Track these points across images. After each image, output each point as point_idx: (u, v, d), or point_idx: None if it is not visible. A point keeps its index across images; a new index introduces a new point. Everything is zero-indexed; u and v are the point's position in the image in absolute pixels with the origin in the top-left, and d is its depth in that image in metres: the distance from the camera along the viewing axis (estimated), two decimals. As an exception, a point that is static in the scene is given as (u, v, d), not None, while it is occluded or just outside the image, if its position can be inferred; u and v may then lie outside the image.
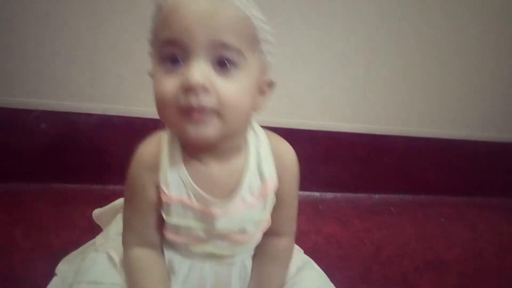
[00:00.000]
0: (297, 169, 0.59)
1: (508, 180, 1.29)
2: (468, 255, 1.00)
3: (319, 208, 1.08)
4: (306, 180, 1.02)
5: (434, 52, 1.06)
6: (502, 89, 1.16)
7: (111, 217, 0.68)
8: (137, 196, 0.53)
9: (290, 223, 0.62)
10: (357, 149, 1.12)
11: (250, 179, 0.54)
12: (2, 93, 0.87)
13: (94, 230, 0.69)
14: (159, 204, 0.53)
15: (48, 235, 0.80)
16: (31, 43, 0.84)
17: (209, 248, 0.56)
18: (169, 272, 0.57)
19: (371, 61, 1.03)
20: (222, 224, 0.53)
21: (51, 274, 0.62)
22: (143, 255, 0.55)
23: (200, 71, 0.42)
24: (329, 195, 1.15)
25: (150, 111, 0.93)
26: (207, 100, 0.43)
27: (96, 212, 0.71)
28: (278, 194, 0.57)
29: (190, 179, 0.51)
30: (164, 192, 0.52)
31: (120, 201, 0.66)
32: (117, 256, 0.58)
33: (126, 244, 0.55)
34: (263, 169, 0.54)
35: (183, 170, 0.52)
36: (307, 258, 0.67)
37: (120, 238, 0.58)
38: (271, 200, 0.57)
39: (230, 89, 0.44)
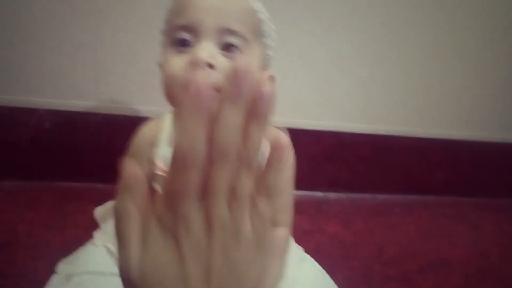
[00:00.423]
0: (292, 159, 0.59)
1: (511, 181, 1.29)
2: (471, 255, 1.00)
3: (322, 208, 1.08)
4: (310, 180, 1.03)
5: (437, 53, 1.06)
6: (505, 90, 1.16)
7: (111, 215, 0.68)
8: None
9: (285, 213, 0.62)
10: (361, 149, 1.12)
11: None
12: (6, 92, 0.88)
13: (96, 228, 0.70)
14: (150, 178, 0.56)
15: (51, 233, 0.80)
16: (35, 42, 0.85)
17: None
18: None
19: (375, 61, 1.03)
20: None
21: (50, 270, 0.62)
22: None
23: (207, 49, 0.47)
24: (333, 195, 1.14)
25: (153, 110, 0.94)
26: (212, 76, 0.47)
27: (98, 210, 0.71)
28: (271, 181, 0.57)
29: None
30: (157, 165, 0.55)
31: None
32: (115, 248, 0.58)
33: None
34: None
35: None
36: (306, 255, 0.67)
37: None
38: None
39: None
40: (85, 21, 0.85)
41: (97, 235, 0.63)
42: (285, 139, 0.59)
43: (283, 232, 0.62)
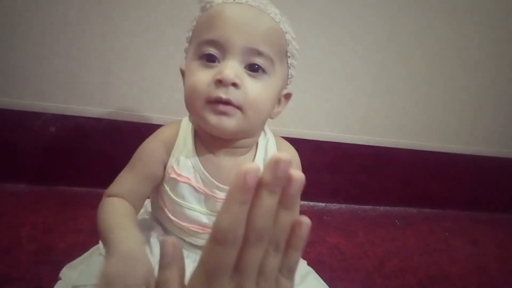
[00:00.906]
0: (300, 170, 0.60)
1: (512, 196, 1.29)
2: (471, 270, 0.99)
3: (323, 219, 1.08)
4: (311, 190, 1.02)
5: (441, 66, 1.06)
6: (507, 104, 1.16)
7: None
8: (141, 163, 0.57)
9: None
10: (363, 160, 1.12)
11: None
12: (12, 95, 0.88)
13: (98, 234, 0.70)
14: (155, 180, 0.57)
15: (53, 237, 0.80)
16: (43, 46, 0.86)
17: None
18: None
19: (378, 73, 1.03)
20: None
21: (55, 277, 0.62)
22: (120, 202, 0.56)
23: (233, 68, 0.48)
24: (334, 206, 1.15)
25: (157, 117, 0.95)
26: (234, 95, 0.48)
27: None
28: None
29: (199, 164, 0.56)
30: (174, 170, 0.56)
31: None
32: None
33: (108, 193, 0.57)
34: None
35: (194, 155, 0.56)
36: (310, 268, 0.67)
37: None
38: None
39: (257, 89, 0.49)
40: (93, 26, 0.86)
41: (102, 243, 0.63)
42: (296, 156, 0.61)
43: None
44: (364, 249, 0.99)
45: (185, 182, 0.56)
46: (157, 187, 0.59)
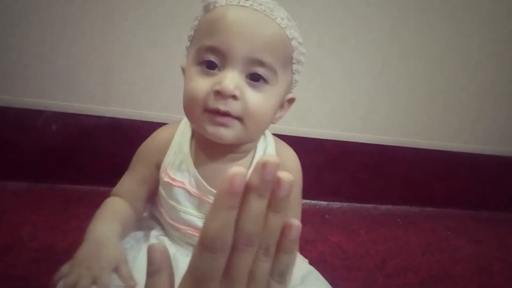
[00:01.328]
0: (299, 175, 0.61)
1: (515, 195, 1.28)
2: (473, 269, 0.99)
3: (325, 217, 1.08)
4: (313, 189, 1.03)
5: (442, 65, 1.06)
6: (509, 103, 1.16)
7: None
8: (138, 166, 0.58)
9: None
10: (365, 159, 1.12)
11: None
12: (14, 93, 0.88)
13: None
14: (153, 181, 0.57)
15: (55, 236, 0.80)
16: (44, 44, 0.86)
17: None
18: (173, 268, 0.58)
19: (379, 72, 1.03)
20: None
21: (55, 275, 0.62)
22: (116, 201, 0.57)
23: (234, 79, 0.45)
24: (336, 204, 1.14)
25: (158, 115, 0.95)
26: (233, 107, 0.46)
27: None
28: None
29: (194, 168, 0.55)
30: (168, 174, 0.55)
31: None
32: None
33: (111, 194, 0.59)
34: None
35: (189, 159, 0.55)
36: (312, 268, 0.67)
37: (124, 240, 0.59)
38: None
39: (257, 100, 0.47)
40: (94, 25, 0.86)
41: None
42: (295, 160, 0.60)
43: None
44: (366, 248, 0.99)
45: (179, 187, 0.55)
46: (156, 190, 0.59)
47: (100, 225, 0.50)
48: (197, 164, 0.55)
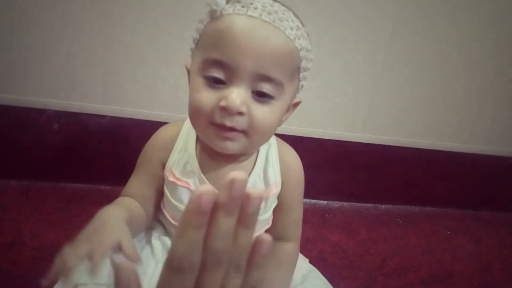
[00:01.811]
0: (301, 177, 0.61)
1: (515, 195, 1.28)
2: (474, 269, 0.99)
3: (325, 217, 1.08)
4: (314, 188, 1.03)
5: (443, 65, 1.06)
6: (509, 103, 1.16)
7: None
8: (144, 166, 0.58)
9: (294, 229, 0.63)
10: (366, 158, 1.12)
11: (255, 180, 0.57)
12: (15, 92, 0.89)
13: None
14: (160, 181, 0.57)
15: (56, 234, 0.80)
16: (46, 43, 0.86)
17: None
18: None
19: (380, 72, 1.03)
20: None
21: (57, 273, 0.62)
22: (127, 199, 0.57)
23: (240, 96, 0.45)
24: (336, 203, 1.14)
25: (160, 114, 0.95)
26: (239, 123, 0.46)
27: None
28: (281, 199, 0.59)
29: (199, 168, 0.55)
30: (173, 173, 0.55)
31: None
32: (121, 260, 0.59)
33: (121, 195, 0.58)
34: (268, 173, 0.57)
35: (193, 158, 0.55)
36: (312, 267, 0.67)
37: None
38: (271, 203, 0.59)
39: (263, 115, 0.47)
40: (96, 24, 0.86)
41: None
42: (298, 162, 0.60)
43: (291, 247, 0.62)
44: (366, 247, 0.99)
45: (184, 187, 0.55)
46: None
47: (106, 210, 0.48)
48: (202, 165, 0.55)
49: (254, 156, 0.57)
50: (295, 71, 0.49)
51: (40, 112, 0.90)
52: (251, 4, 0.45)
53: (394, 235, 1.07)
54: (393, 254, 0.98)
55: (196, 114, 0.48)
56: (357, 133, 1.09)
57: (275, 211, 0.60)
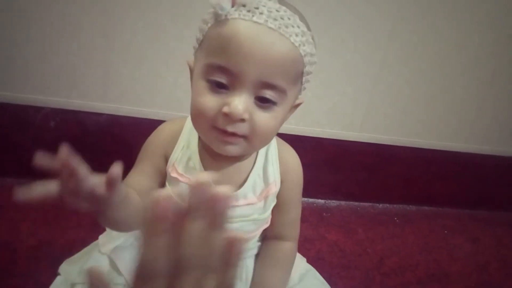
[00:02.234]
0: (300, 177, 0.61)
1: (512, 195, 1.28)
2: (471, 269, 1.00)
3: (323, 216, 1.08)
4: (311, 187, 1.03)
5: (442, 64, 1.06)
6: (508, 103, 1.16)
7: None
8: (146, 159, 0.58)
9: (292, 228, 0.63)
10: (363, 158, 1.12)
11: (255, 179, 0.57)
12: (13, 89, 0.88)
13: (99, 229, 0.70)
14: (161, 176, 0.57)
15: (53, 232, 0.80)
16: (45, 41, 0.85)
17: None
18: None
19: (379, 71, 1.03)
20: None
21: (54, 272, 0.62)
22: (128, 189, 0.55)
23: (243, 102, 0.45)
24: (334, 202, 1.14)
25: (158, 113, 0.95)
26: (240, 128, 0.47)
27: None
28: (280, 198, 0.59)
29: (201, 165, 0.55)
30: (175, 169, 0.55)
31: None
32: (119, 259, 0.59)
33: None
34: (268, 172, 0.58)
35: (196, 156, 0.55)
36: (309, 266, 0.67)
37: (123, 237, 0.59)
38: (271, 202, 0.59)
39: (265, 121, 0.48)
40: (95, 22, 0.85)
41: (102, 240, 0.63)
42: (297, 162, 0.60)
43: (289, 246, 0.63)
44: (364, 247, 0.99)
45: (186, 183, 0.55)
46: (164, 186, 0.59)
47: None
48: (204, 162, 0.55)
49: (254, 154, 0.57)
50: (298, 76, 0.49)
51: (37, 109, 0.90)
52: (257, 8, 0.44)
53: (391, 234, 1.07)
54: (390, 254, 0.99)
55: (198, 117, 0.49)
56: (355, 133, 1.09)
57: (273, 210, 0.60)
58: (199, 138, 0.57)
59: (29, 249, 0.75)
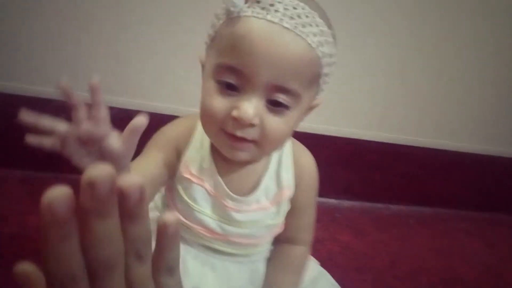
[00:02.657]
0: (315, 181, 0.59)
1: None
2: (487, 275, 0.97)
3: (335, 216, 1.06)
4: (324, 186, 1.00)
5: (461, 62, 1.03)
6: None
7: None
8: (157, 148, 0.54)
9: (305, 232, 0.61)
10: (378, 158, 1.10)
11: (268, 183, 0.54)
12: (23, 81, 0.87)
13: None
14: (169, 169, 0.54)
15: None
16: (55, 32, 0.84)
17: (220, 244, 0.56)
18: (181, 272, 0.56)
19: (396, 69, 1.00)
20: (238, 217, 0.54)
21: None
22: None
23: (254, 108, 0.43)
24: (346, 203, 1.12)
25: (168, 107, 0.93)
26: (250, 133, 0.45)
27: None
28: (294, 202, 0.57)
29: (215, 167, 0.53)
30: (188, 169, 0.53)
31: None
32: None
33: None
34: (281, 176, 0.55)
35: (210, 158, 0.53)
36: (322, 270, 0.66)
37: None
38: (284, 206, 0.57)
39: (276, 126, 0.45)
40: (105, 14, 0.84)
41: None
42: (312, 166, 0.58)
43: (301, 251, 0.61)
44: (377, 248, 0.97)
45: (199, 184, 0.54)
46: (170, 187, 0.57)
47: None
48: (217, 164, 0.53)
49: (267, 157, 0.55)
50: (314, 79, 0.46)
51: (47, 101, 0.89)
52: (272, 6, 0.41)
53: (405, 236, 1.04)
54: (403, 257, 0.96)
55: (207, 120, 0.47)
56: (370, 131, 1.06)
57: (287, 214, 0.58)
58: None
59: (36, 244, 0.74)
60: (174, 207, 0.57)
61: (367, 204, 1.13)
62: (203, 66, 0.49)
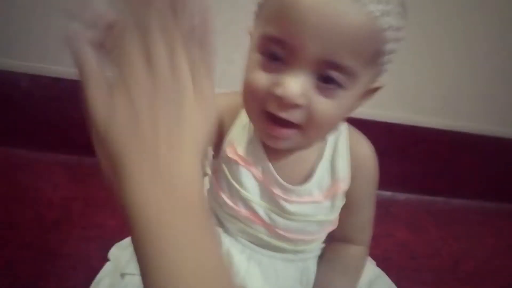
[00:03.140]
0: (375, 173, 0.53)
1: None
2: None
3: (390, 210, 0.99)
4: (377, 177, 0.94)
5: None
6: None
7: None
8: None
9: (362, 231, 0.56)
10: (437, 146, 1.01)
11: (322, 173, 0.49)
12: (34, 59, 0.85)
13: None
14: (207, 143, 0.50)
15: (103, 214, 0.78)
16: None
17: (267, 234, 0.52)
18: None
19: (465, 48, 0.91)
20: (288, 207, 0.49)
21: (104, 255, 0.60)
22: None
23: (300, 86, 0.38)
24: (402, 195, 1.05)
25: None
26: (295, 116, 0.40)
27: None
28: (349, 197, 0.52)
29: (263, 152, 0.49)
30: (234, 149, 0.49)
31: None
32: None
33: None
34: (337, 166, 0.50)
35: (258, 141, 0.49)
36: (379, 271, 0.61)
37: None
38: (339, 202, 0.51)
39: (325, 110, 0.40)
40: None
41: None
42: (372, 157, 0.52)
43: (358, 251, 0.56)
44: (437, 247, 0.90)
45: (245, 167, 0.50)
46: (215, 168, 0.53)
47: None
48: (266, 148, 0.49)
49: (322, 143, 0.50)
50: (375, 56, 0.40)
51: (57, 80, 0.87)
52: None
53: (468, 234, 0.97)
54: (467, 257, 0.89)
55: (248, 97, 0.43)
56: (429, 118, 0.98)
57: (341, 210, 0.52)
58: None
59: (79, 230, 0.74)
60: (219, 189, 0.53)
61: (425, 198, 1.06)
62: (251, 39, 0.45)
